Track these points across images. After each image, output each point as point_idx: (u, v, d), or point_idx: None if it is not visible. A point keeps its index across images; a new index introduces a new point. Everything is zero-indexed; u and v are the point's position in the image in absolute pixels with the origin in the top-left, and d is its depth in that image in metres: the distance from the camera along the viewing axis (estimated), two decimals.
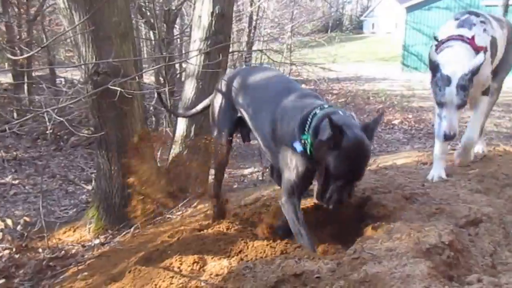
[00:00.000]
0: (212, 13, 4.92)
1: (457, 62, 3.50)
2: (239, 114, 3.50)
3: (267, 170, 6.46)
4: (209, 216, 4.02)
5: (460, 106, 3.48)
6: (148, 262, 3.20)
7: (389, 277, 2.17)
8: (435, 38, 3.88)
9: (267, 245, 3.05)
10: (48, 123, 4.34)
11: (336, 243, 2.97)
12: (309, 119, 2.83)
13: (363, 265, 2.31)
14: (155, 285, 2.77)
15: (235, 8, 14.77)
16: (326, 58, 18.77)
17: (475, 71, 3.42)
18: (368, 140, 2.65)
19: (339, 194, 2.67)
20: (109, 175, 4.61)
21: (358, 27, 57.38)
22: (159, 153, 5.29)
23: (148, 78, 11.43)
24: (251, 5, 14.05)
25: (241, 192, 5.06)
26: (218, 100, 3.67)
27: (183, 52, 9.97)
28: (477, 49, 3.63)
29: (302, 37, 20.29)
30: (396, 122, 11.45)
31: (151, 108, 8.54)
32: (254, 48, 14.72)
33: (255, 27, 14.69)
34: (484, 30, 3.86)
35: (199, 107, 4.13)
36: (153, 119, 8.85)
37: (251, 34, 14.35)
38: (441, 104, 3.52)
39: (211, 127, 3.77)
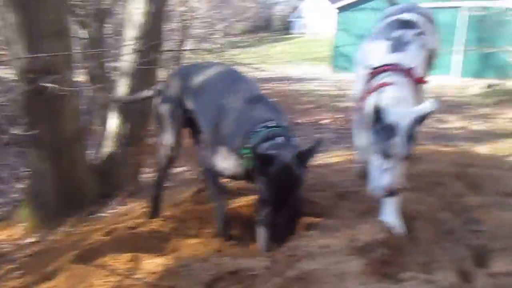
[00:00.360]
0: (144, 12, 4.89)
1: (401, 106, 2.90)
2: (189, 114, 3.49)
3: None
4: (143, 214, 3.98)
5: (406, 157, 2.85)
6: (82, 260, 3.11)
7: (324, 274, 2.21)
8: (372, 68, 3.28)
9: (201, 243, 3.07)
10: None
11: (271, 240, 3.00)
12: (252, 135, 2.85)
13: (298, 262, 2.35)
14: (90, 283, 2.72)
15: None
16: (257, 58, 18.90)
17: (423, 117, 2.84)
18: (298, 168, 2.67)
19: (271, 219, 2.68)
20: (41, 173, 4.51)
21: (288, 27, 57.85)
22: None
23: (78, 76, 11.18)
24: (182, 4, 13.96)
25: (173, 190, 5.04)
26: (165, 96, 3.65)
27: (116, 50, 9.81)
28: (418, 82, 3.25)
29: (233, 37, 20.37)
30: (326, 121, 11.59)
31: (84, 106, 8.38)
32: (185, 48, 14.67)
33: (186, 27, 14.62)
34: (422, 45, 3.43)
35: (141, 95, 4.15)
36: (87, 117, 8.68)
37: (182, 34, 14.26)
38: (385, 156, 2.83)
39: (158, 122, 3.72)
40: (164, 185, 3.89)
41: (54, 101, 4.12)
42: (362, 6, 25.17)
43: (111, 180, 5.02)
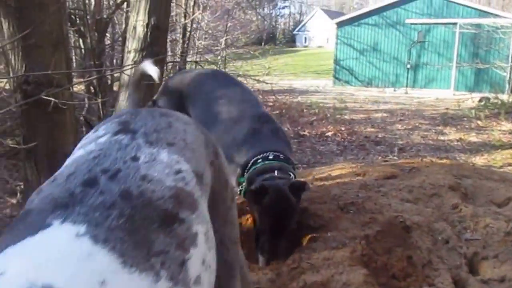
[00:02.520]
0: (147, 24, 4.85)
1: None
2: None
3: None
4: None
5: None
6: None
7: (328, 285, 2.21)
8: None
9: None
10: None
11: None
12: (250, 166, 2.92)
13: (302, 275, 2.35)
14: None
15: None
16: (261, 70, 18.92)
17: None
18: (291, 199, 2.69)
19: (268, 247, 2.71)
20: (37, 187, 4.43)
21: (291, 40, 58.25)
22: None
23: (77, 87, 11.15)
24: (185, 16, 14.02)
25: None
26: (166, 103, 3.64)
27: (115, 61, 9.83)
28: None
29: (236, 49, 20.43)
30: (329, 134, 11.58)
31: (81, 118, 8.32)
32: (188, 59, 14.70)
33: (189, 38, 14.66)
34: None
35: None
36: (84, 129, 8.59)
37: (185, 45, 14.30)
38: None
39: None
40: None
41: (52, 113, 4.06)
42: (360, 21, 25.63)
43: None
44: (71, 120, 4.45)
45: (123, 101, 5.05)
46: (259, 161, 2.90)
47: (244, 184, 2.90)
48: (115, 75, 9.58)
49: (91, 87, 7.97)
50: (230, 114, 3.23)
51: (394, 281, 2.37)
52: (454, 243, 2.77)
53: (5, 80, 4.61)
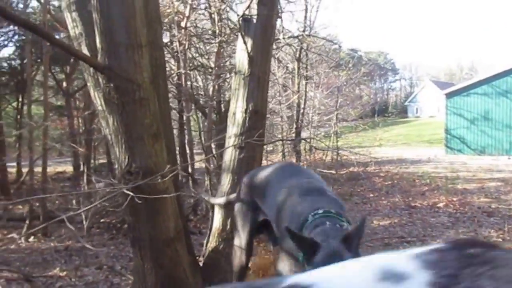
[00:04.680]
0: (246, 110, 4.78)
1: None
2: (262, 217, 3.24)
3: None
4: None
5: None
6: None
7: None
8: None
9: None
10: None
11: None
12: (302, 227, 2.63)
13: None
14: None
15: (284, 95, 14.99)
16: (372, 142, 18.55)
17: None
18: (346, 252, 2.34)
19: None
20: (142, 272, 4.35)
21: (402, 111, 57.45)
22: None
23: (198, 164, 11.30)
24: (298, 96, 14.11)
25: None
26: (239, 199, 3.48)
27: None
28: None
29: (347, 123, 20.26)
30: (440, 205, 10.88)
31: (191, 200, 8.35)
32: (302, 135, 14.72)
33: (302, 114, 14.69)
34: None
35: (228, 198, 4.09)
36: (190, 210, 8.60)
37: (299, 122, 14.32)
38: None
39: (233, 228, 3.53)
40: None
41: (153, 201, 4.00)
42: (470, 91, 24.80)
43: (216, 275, 4.78)
44: (172, 206, 4.36)
45: (225, 184, 4.94)
46: (309, 218, 2.61)
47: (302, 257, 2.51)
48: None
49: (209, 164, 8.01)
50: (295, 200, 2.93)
51: None
52: None
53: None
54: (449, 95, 25.65)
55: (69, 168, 13.18)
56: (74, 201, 9.05)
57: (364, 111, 25.13)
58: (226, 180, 4.93)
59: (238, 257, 3.40)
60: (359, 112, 21.20)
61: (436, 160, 22.56)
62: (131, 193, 3.60)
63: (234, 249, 3.45)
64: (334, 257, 2.28)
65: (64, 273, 6.38)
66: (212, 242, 4.93)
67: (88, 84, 4.31)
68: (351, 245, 2.37)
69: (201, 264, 4.94)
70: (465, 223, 9.10)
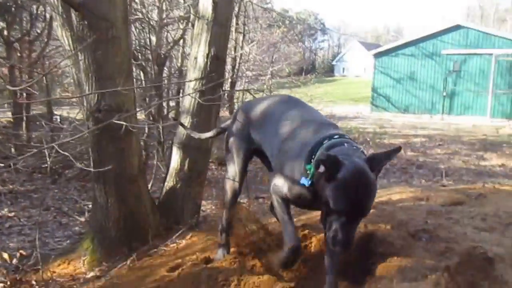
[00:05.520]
0: (208, 55, 4.78)
1: None
2: (255, 145, 3.34)
3: (254, 201, 6.30)
4: (205, 249, 3.80)
5: None
6: None
7: None
8: None
9: (267, 281, 2.84)
10: (48, 158, 4.12)
11: (343, 280, 2.70)
12: (316, 150, 2.54)
13: None
14: None
15: None
16: (303, 98, 18.80)
17: None
18: (371, 175, 2.27)
19: (343, 234, 2.23)
20: (105, 207, 4.36)
21: (330, 70, 58.30)
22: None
23: (139, 115, 11.20)
24: (235, 49, 14.12)
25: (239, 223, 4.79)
26: (234, 129, 3.53)
27: (170, 92, 9.95)
28: None
29: (280, 78, 20.46)
30: None
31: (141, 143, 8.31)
32: (236, 88, 14.80)
33: (237, 69, 14.75)
34: None
35: (214, 132, 4.07)
36: (144, 153, 8.60)
37: (234, 75, 14.36)
38: None
39: (225, 156, 3.59)
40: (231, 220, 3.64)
41: (120, 138, 4.00)
42: (398, 52, 25.32)
43: (172, 214, 4.85)
44: (136, 144, 4.40)
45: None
46: (324, 141, 2.53)
47: (312, 170, 2.46)
48: (171, 104, 9.70)
49: (150, 116, 7.95)
50: (298, 126, 2.95)
51: None
52: None
53: (76, 111, 4.58)
54: (378, 55, 26.31)
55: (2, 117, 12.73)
56: (13, 149, 8.79)
57: (294, 69, 25.39)
58: (185, 122, 4.93)
59: (231, 182, 3.46)
60: (291, 69, 21.40)
61: (362, 117, 23.26)
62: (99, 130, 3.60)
63: (227, 175, 3.50)
64: (359, 174, 2.25)
65: (13, 213, 6.29)
66: (169, 182, 4.96)
67: (55, 23, 4.21)
68: (375, 166, 2.31)
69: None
70: (395, 174, 9.55)
